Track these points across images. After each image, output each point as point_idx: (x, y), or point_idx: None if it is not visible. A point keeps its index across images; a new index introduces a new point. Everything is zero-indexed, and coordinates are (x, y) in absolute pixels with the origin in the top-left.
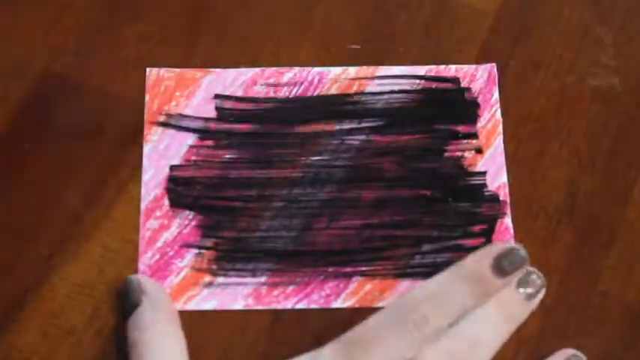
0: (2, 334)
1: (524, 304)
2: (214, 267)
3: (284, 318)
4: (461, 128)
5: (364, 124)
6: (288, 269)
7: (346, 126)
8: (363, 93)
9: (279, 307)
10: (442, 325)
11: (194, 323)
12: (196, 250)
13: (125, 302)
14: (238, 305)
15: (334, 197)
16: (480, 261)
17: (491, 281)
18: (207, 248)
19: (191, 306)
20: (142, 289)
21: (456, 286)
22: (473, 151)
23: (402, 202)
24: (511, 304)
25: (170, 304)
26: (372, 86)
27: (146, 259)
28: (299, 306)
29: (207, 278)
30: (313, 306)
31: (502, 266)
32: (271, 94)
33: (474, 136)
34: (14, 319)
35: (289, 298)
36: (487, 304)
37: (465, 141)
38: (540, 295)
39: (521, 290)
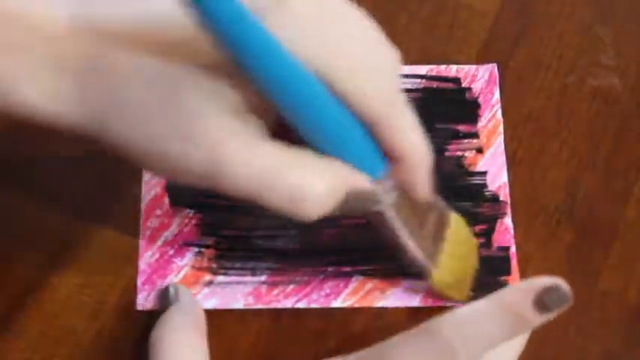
0: (2, 334)
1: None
2: (214, 265)
3: (284, 318)
4: (461, 128)
5: None
6: (288, 268)
7: None
8: None
9: (279, 306)
10: (473, 355)
11: None
12: (196, 249)
13: (160, 304)
14: (238, 304)
15: None
16: (521, 296)
17: (532, 317)
18: (207, 247)
19: None
20: (177, 295)
21: (492, 319)
22: (473, 151)
23: None
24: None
25: (200, 313)
26: None
27: (146, 257)
28: (299, 305)
29: (208, 277)
30: (313, 305)
31: (545, 303)
32: None
33: (475, 135)
34: (14, 319)
35: (289, 297)
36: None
37: (466, 140)
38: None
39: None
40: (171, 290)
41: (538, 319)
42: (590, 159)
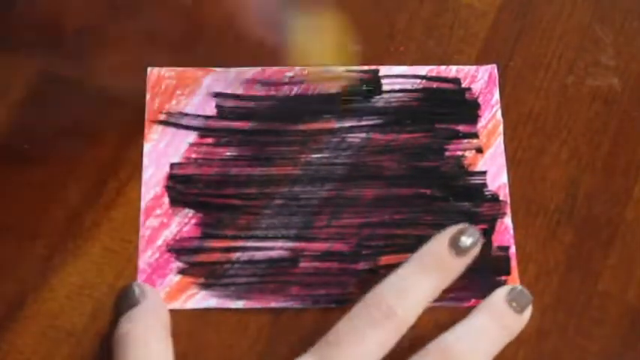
0: (2, 334)
1: (517, 317)
2: (214, 266)
3: (284, 318)
4: (461, 128)
5: (364, 122)
6: (287, 268)
7: (347, 124)
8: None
9: (279, 306)
10: (411, 314)
11: (194, 323)
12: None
13: (123, 302)
14: (238, 304)
15: (334, 195)
16: (436, 244)
17: (451, 262)
18: (206, 250)
19: (191, 304)
20: (142, 293)
21: (418, 274)
22: (473, 151)
23: (402, 201)
24: (506, 316)
25: (166, 313)
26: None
27: (146, 257)
28: (299, 306)
29: (207, 277)
30: (313, 305)
31: (459, 243)
32: (272, 93)
33: (475, 135)
34: (14, 319)
35: (289, 298)
36: (483, 317)
37: (466, 140)
38: (529, 310)
39: (514, 304)
40: (136, 289)
41: (457, 263)
42: (590, 159)
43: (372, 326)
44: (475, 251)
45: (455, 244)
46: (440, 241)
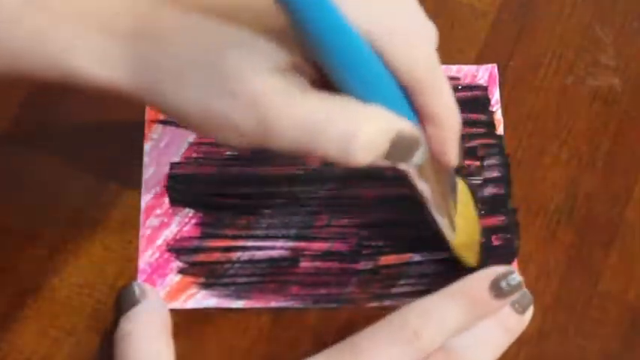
0: (2, 334)
1: (519, 318)
2: (214, 267)
3: (284, 318)
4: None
5: None
6: (287, 268)
7: None
8: None
9: (279, 306)
10: (435, 342)
11: (194, 323)
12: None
13: (123, 302)
14: (238, 304)
15: (334, 195)
16: (478, 283)
17: (489, 302)
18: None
19: (191, 304)
20: (143, 293)
21: (451, 305)
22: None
23: (401, 201)
24: (508, 318)
25: (166, 311)
26: None
27: (146, 257)
28: (299, 306)
29: (207, 277)
30: (313, 305)
31: (500, 288)
32: None
33: None
34: (14, 319)
35: (289, 298)
36: (486, 320)
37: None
38: (531, 311)
39: (516, 305)
40: (136, 289)
41: (495, 305)
42: (590, 159)
43: (393, 345)
44: (515, 296)
45: (496, 287)
46: (481, 280)
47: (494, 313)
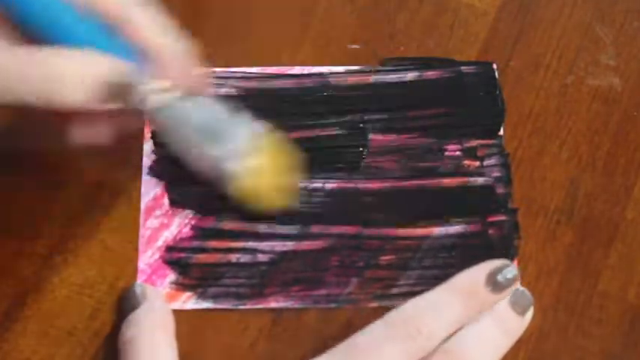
0: (2, 334)
1: (519, 319)
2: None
3: (284, 318)
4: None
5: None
6: (287, 268)
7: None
8: (363, 87)
9: (279, 306)
10: (435, 337)
11: (194, 323)
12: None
13: (125, 304)
14: (238, 304)
15: (334, 195)
16: (474, 277)
17: (486, 296)
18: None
19: (190, 305)
20: (144, 294)
21: (449, 300)
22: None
23: (402, 201)
24: (509, 320)
25: (169, 313)
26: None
27: (146, 257)
28: (299, 306)
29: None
30: (313, 305)
31: (497, 281)
32: (270, 91)
33: None
34: (14, 319)
35: (289, 298)
36: (486, 321)
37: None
38: (531, 312)
39: (515, 307)
40: (138, 290)
41: (492, 298)
42: (590, 159)
43: (394, 342)
44: (512, 289)
45: (492, 281)
46: (476, 275)
47: (491, 307)
